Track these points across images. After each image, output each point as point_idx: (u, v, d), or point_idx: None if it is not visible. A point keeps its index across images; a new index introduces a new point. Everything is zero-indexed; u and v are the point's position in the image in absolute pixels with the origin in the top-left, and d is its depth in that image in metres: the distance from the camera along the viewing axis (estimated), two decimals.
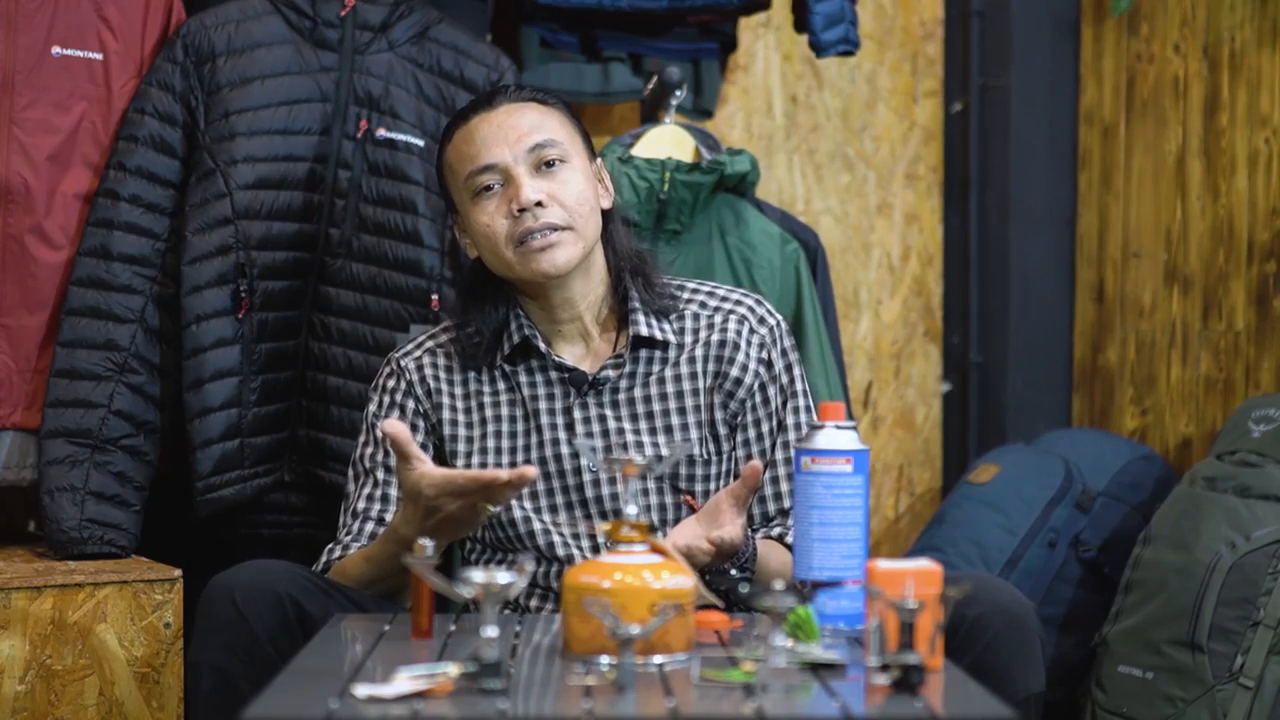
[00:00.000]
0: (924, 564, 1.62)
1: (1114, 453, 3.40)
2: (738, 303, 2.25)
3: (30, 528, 2.92)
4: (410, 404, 2.23)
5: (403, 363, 2.25)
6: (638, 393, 2.18)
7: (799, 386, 2.23)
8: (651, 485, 2.15)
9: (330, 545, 2.20)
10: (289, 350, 2.75)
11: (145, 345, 2.68)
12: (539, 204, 2.12)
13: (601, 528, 1.77)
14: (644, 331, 2.18)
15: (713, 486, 2.16)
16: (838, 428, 1.84)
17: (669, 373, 2.19)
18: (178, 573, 2.56)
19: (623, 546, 1.70)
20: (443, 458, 2.21)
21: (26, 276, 2.63)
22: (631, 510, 1.72)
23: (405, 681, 1.51)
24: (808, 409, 2.23)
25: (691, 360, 2.20)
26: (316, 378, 2.75)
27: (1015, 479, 3.34)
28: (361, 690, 1.49)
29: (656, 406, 2.18)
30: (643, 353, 2.19)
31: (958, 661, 1.72)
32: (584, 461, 2.15)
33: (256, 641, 1.86)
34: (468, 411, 2.21)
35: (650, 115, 3.00)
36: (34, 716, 2.46)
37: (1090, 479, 3.32)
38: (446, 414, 2.22)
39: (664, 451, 2.15)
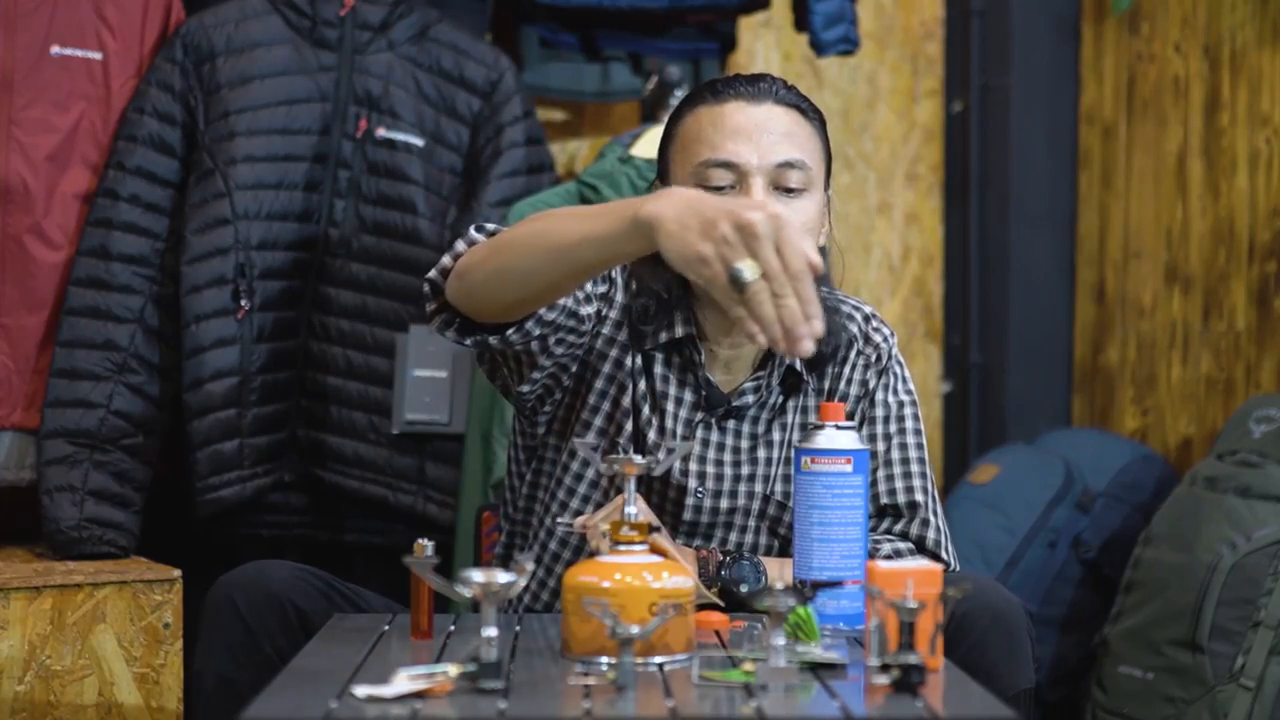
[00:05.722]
0: (924, 564, 1.61)
1: (1114, 453, 3.40)
2: (849, 318, 2.10)
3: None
4: (610, 290, 2.05)
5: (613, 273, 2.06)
6: (760, 427, 2.06)
7: (888, 397, 2.09)
8: (750, 524, 2.06)
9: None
10: (289, 350, 2.75)
11: (144, 345, 2.68)
12: None
13: (602, 528, 1.76)
14: (796, 366, 2.05)
15: None
16: (838, 428, 1.84)
17: (792, 403, 2.07)
18: (177, 573, 2.56)
19: (623, 546, 1.69)
20: (569, 381, 2.05)
21: (25, 276, 2.63)
22: (632, 510, 1.72)
23: (405, 681, 1.51)
24: (901, 405, 2.09)
25: (807, 393, 2.07)
26: (316, 378, 2.75)
27: (1015, 479, 3.34)
28: (361, 690, 1.49)
29: (776, 436, 2.06)
30: (776, 385, 2.06)
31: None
32: (692, 484, 2.04)
33: (258, 645, 1.85)
34: (600, 373, 2.06)
35: (650, 115, 3.00)
36: (33, 716, 2.46)
37: (1091, 479, 3.32)
38: (605, 330, 2.06)
39: (774, 489, 2.06)
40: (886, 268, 3.73)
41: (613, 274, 2.07)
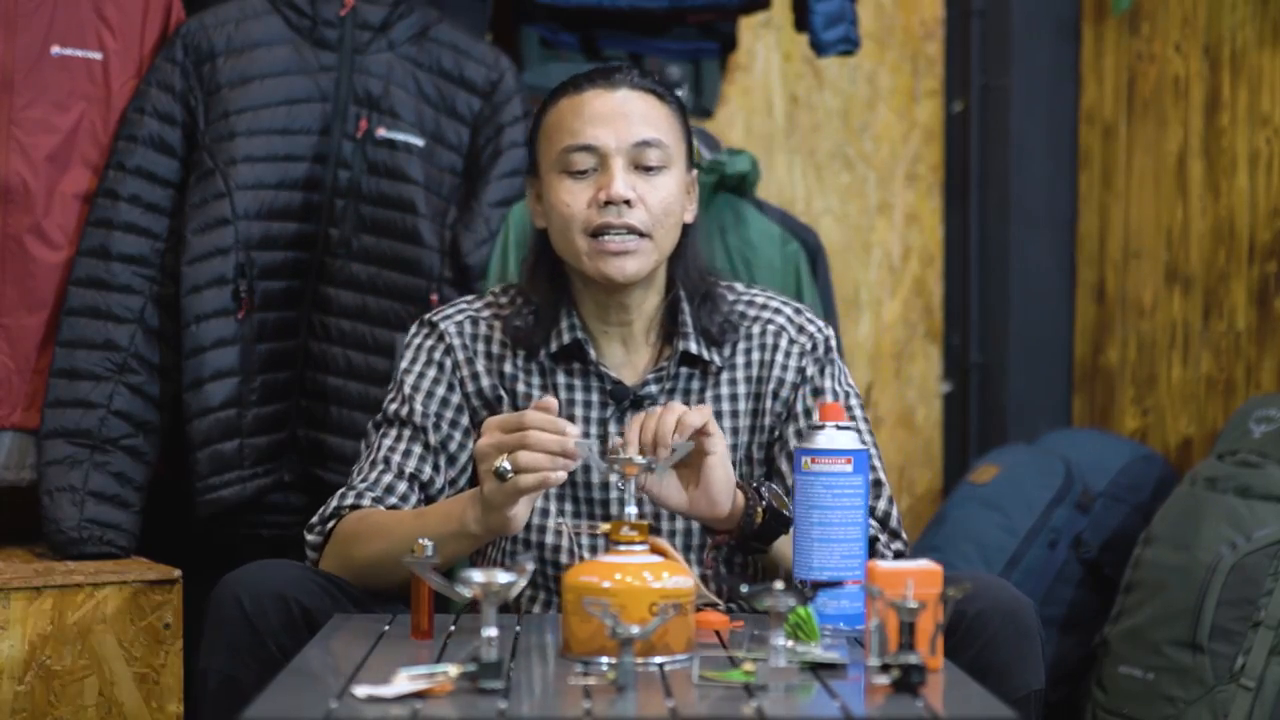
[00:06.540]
0: (924, 564, 1.61)
1: (1114, 453, 3.40)
2: (776, 311, 2.17)
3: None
4: (448, 363, 2.13)
5: (441, 325, 2.15)
6: None
7: (835, 387, 2.15)
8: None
9: (341, 490, 2.10)
10: (289, 350, 2.75)
11: (144, 345, 2.68)
12: (627, 202, 2.03)
13: (603, 527, 1.76)
14: (693, 349, 2.10)
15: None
16: (838, 428, 1.84)
17: (709, 393, 2.12)
18: (177, 573, 2.56)
19: (623, 546, 1.69)
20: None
21: (26, 276, 2.63)
22: (632, 510, 1.72)
23: (405, 681, 1.51)
24: (848, 395, 2.14)
25: (733, 382, 2.13)
26: (316, 378, 2.75)
27: (1016, 479, 3.34)
28: (361, 690, 1.49)
29: None
30: (684, 370, 2.12)
31: (957, 659, 1.71)
32: (614, 479, 2.06)
33: (262, 644, 1.85)
34: (497, 400, 2.13)
35: None
36: (34, 717, 2.46)
37: (1091, 479, 3.32)
38: (486, 382, 2.13)
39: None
40: (886, 268, 3.73)
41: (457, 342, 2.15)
